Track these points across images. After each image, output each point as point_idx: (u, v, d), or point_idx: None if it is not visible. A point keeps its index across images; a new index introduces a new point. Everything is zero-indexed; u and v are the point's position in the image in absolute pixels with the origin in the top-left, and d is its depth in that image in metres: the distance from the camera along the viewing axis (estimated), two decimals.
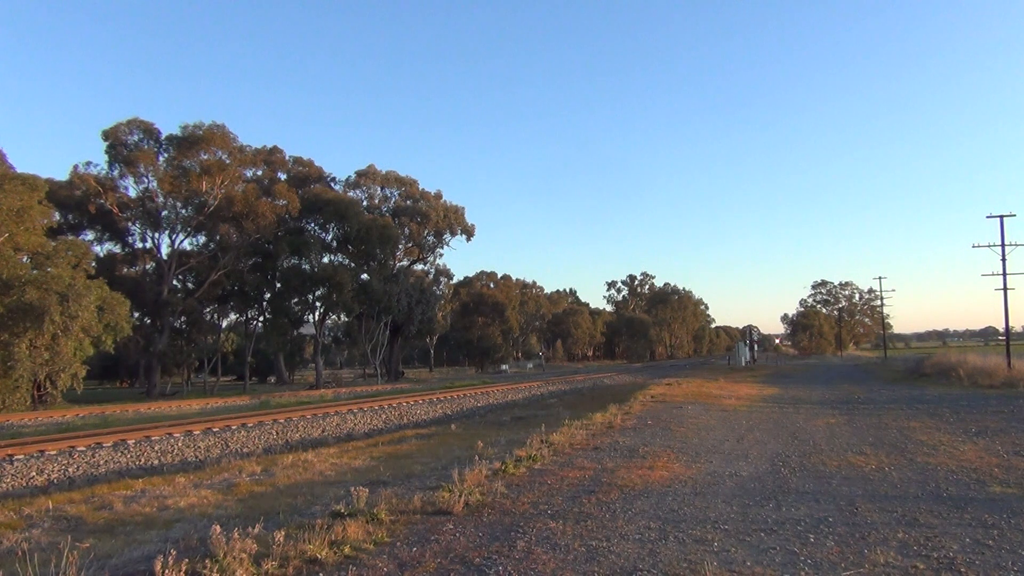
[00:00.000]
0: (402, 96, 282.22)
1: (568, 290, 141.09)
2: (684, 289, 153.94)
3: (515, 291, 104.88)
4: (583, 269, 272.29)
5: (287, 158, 63.93)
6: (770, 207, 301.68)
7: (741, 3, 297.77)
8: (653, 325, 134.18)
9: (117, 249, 53.48)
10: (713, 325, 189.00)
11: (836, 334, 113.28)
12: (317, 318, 60.78)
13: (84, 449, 15.96)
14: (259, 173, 58.05)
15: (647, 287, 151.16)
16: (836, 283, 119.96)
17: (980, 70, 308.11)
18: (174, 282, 52.85)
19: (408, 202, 69.69)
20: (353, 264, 61.27)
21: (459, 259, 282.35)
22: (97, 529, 8.53)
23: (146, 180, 50.22)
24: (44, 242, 38.26)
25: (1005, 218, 37.37)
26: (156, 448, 16.74)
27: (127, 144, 49.86)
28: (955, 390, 26.91)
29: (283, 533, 5.79)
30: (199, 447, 17.36)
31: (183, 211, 51.45)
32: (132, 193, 50.78)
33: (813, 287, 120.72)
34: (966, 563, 5.51)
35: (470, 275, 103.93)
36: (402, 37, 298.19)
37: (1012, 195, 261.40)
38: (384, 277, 62.36)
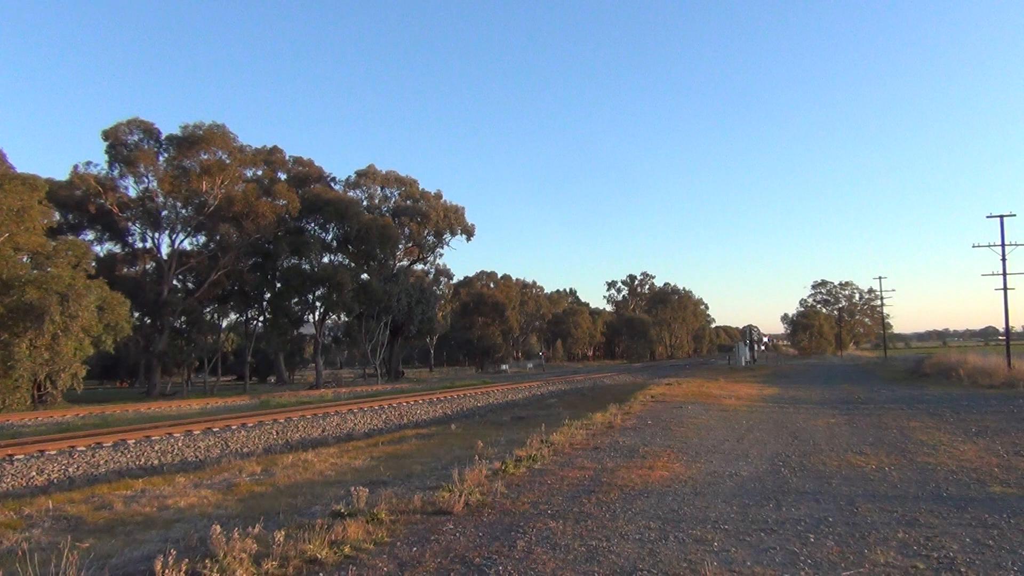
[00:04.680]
0: (402, 96, 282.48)
1: (568, 290, 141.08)
2: (684, 289, 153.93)
3: (515, 291, 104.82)
4: (583, 269, 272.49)
5: (287, 158, 63.94)
6: (770, 207, 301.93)
7: (740, 4, 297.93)
8: (653, 325, 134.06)
9: (117, 249, 53.45)
10: (713, 325, 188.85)
11: (836, 334, 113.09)
12: (317, 318, 60.75)
13: (84, 449, 15.97)
14: (259, 173, 57.99)
15: (647, 287, 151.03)
16: (836, 283, 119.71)
17: (980, 70, 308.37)
18: (174, 282, 52.81)
19: (408, 202, 69.65)
20: (353, 264, 61.25)
21: (459, 259, 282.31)
22: (97, 529, 8.53)
23: (146, 180, 50.23)
24: (44, 242, 38.24)
25: (1005, 218, 37.43)
26: (156, 448, 16.74)
27: (127, 144, 49.81)
28: (955, 390, 26.91)
29: (283, 533, 5.80)
30: (199, 447, 17.36)
31: (183, 211, 51.42)
32: (132, 193, 50.79)
33: (813, 287, 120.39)
34: (966, 563, 5.51)
35: (470, 275, 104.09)
36: (402, 37, 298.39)
37: (1012, 195, 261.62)
38: (384, 277, 62.32)
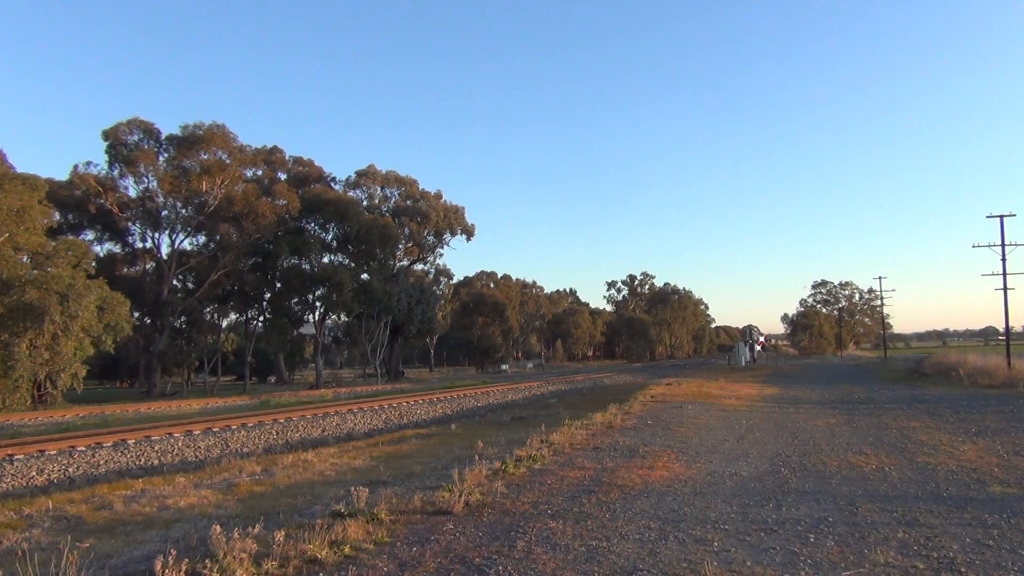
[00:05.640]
0: (402, 96, 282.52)
1: (568, 290, 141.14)
2: (684, 289, 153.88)
3: (515, 291, 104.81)
4: (583, 269, 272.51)
5: (287, 158, 63.95)
6: (770, 207, 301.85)
7: (740, 5, 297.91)
8: (653, 325, 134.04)
9: (117, 249, 53.48)
10: (713, 325, 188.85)
11: (836, 334, 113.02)
12: (317, 318, 60.74)
13: (84, 449, 15.96)
14: (259, 173, 58.00)
15: (647, 287, 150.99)
16: (836, 283, 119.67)
17: (980, 70, 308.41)
18: (174, 282, 52.81)
19: (408, 202, 69.65)
20: (353, 264, 61.24)
21: (459, 259, 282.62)
22: (97, 529, 8.53)
23: (146, 180, 50.21)
24: (44, 242, 38.24)
25: (1005, 218, 37.40)
26: (156, 448, 16.73)
27: (127, 144, 49.82)
28: (955, 390, 26.90)
29: (283, 533, 5.80)
30: (199, 447, 17.36)
31: (183, 211, 51.42)
32: (132, 193, 50.82)
33: (813, 287, 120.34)
34: (966, 563, 5.51)
35: (470, 275, 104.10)
36: (402, 37, 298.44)
37: (1012, 195, 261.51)
38: (384, 277, 62.32)
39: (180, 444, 17.33)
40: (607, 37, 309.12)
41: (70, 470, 14.43)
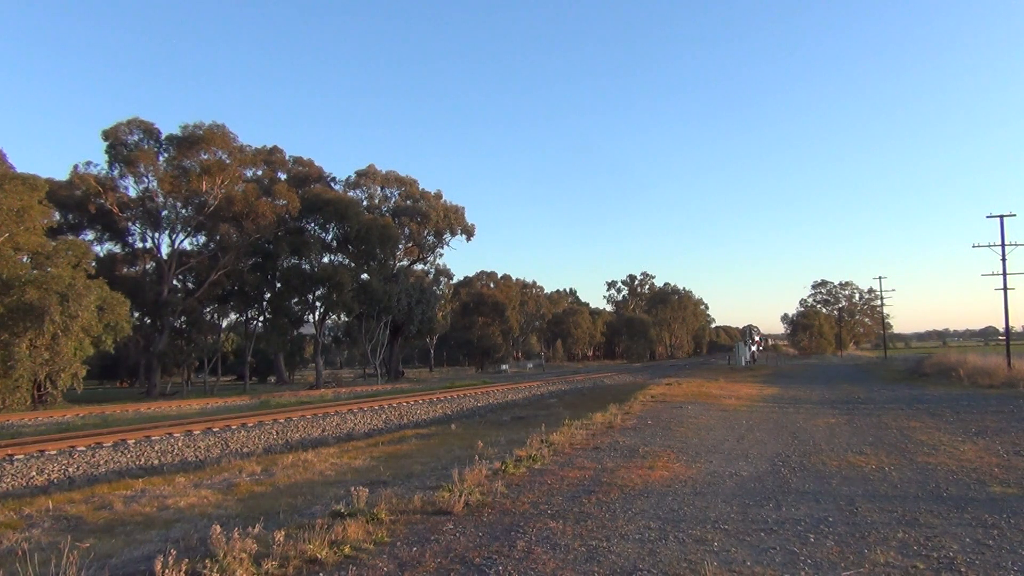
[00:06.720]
0: (402, 96, 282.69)
1: (568, 290, 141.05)
2: (684, 289, 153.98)
3: (515, 291, 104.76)
4: (583, 269, 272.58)
5: (287, 158, 63.97)
6: (770, 207, 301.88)
7: (740, 5, 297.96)
8: (653, 325, 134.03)
9: (117, 249, 53.47)
10: (713, 325, 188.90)
11: (836, 334, 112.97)
12: (317, 318, 60.72)
13: (84, 449, 15.96)
14: (259, 173, 58.01)
15: (647, 287, 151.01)
16: (836, 283, 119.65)
17: (980, 70, 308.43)
18: (174, 282, 52.80)
19: (408, 202, 69.63)
20: (353, 264, 61.22)
21: (459, 259, 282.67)
22: (97, 529, 8.53)
23: (146, 180, 50.19)
24: (44, 242, 38.23)
25: (1005, 218, 37.42)
26: (156, 448, 16.73)
27: (127, 144, 49.81)
28: (955, 390, 26.90)
29: (283, 533, 5.80)
30: (199, 447, 17.36)
31: (183, 211, 51.40)
32: (132, 193, 50.80)
33: (813, 287, 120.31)
34: (966, 563, 5.51)
35: (470, 275, 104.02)
36: (402, 37, 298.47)
37: (1012, 195, 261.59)
38: (384, 277, 62.31)
39: (180, 444, 17.33)
40: (607, 37, 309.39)
41: (70, 470, 14.43)
